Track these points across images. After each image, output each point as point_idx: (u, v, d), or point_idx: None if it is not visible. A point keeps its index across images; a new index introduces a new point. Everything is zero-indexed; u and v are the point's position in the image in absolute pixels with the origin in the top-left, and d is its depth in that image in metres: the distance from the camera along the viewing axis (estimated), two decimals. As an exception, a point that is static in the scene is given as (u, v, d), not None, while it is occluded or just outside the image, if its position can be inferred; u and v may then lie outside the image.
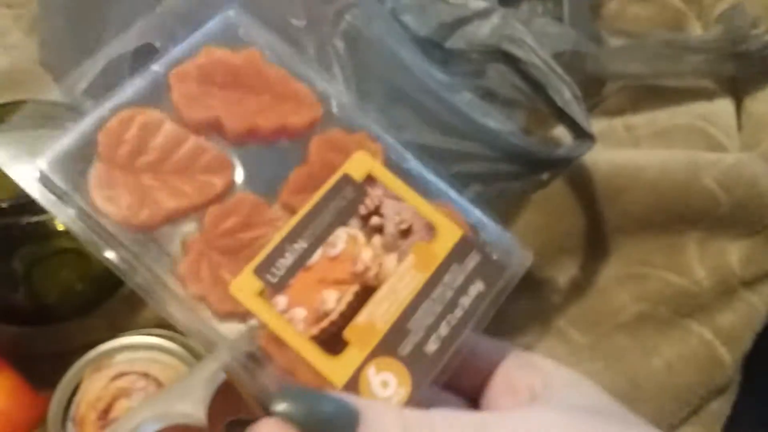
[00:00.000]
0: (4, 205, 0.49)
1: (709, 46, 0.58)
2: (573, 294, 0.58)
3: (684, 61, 0.59)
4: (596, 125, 0.52)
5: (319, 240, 0.35)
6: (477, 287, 0.36)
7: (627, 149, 0.59)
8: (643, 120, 0.62)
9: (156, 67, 0.37)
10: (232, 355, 0.36)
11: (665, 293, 0.56)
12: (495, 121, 0.47)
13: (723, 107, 0.62)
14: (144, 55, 0.52)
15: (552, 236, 0.58)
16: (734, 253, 0.56)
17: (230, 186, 0.36)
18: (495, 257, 0.37)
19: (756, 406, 0.58)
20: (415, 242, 0.36)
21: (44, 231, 0.52)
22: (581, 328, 0.58)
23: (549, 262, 0.58)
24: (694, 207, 0.55)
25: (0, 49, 0.74)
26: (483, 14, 0.50)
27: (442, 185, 0.39)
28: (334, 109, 0.39)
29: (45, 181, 0.35)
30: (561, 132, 0.58)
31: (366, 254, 0.35)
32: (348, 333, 0.34)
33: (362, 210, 0.36)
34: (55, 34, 0.66)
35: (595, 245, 0.58)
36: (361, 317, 0.34)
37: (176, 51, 0.38)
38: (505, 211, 0.56)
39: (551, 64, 0.49)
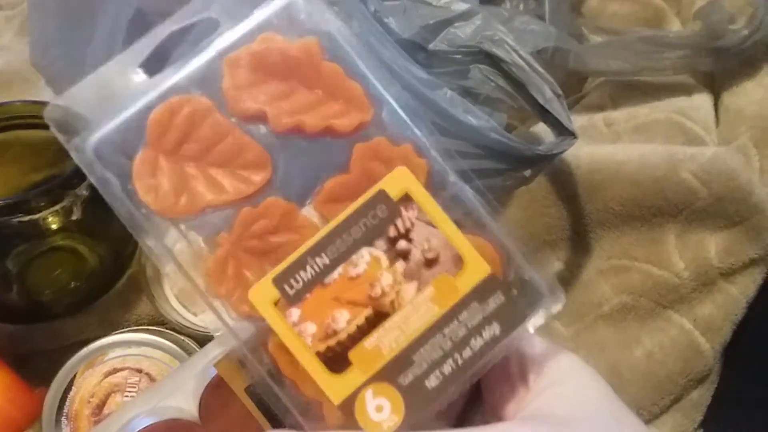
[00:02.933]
0: (-3, 204, 0.49)
1: (688, 42, 0.59)
2: (556, 286, 0.59)
3: (663, 57, 0.59)
4: (577, 120, 0.53)
5: (341, 257, 0.34)
6: (492, 330, 0.35)
7: (607, 144, 0.60)
8: (623, 115, 0.63)
9: (213, 51, 0.36)
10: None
11: (646, 285, 0.57)
12: (476, 118, 0.47)
13: (701, 102, 0.62)
14: (139, 25, 0.51)
15: (534, 230, 0.59)
16: (713, 245, 0.57)
17: (267, 185, 0.36)
18: (519, 301, 0.36)
19: (736, 395, 0.58)
20: (438, 274, 0.35)
21: (37, 229, 0.52)
22: (564, 320, 0.59)
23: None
24: (673, 200, 0.56)
25: (-9, 50, 0.75)
26: (465, 16, 0.50)
27: (482, 214, 0.36)
28: (384, 115, 0.37)
29: (91, 162, 0.35)
30: (541, 128, 0.59)
31: (386, 279, 0.35)
32: (353, 354, 0.34)
33: (391, 231, 0.35)
34: (45, 35, 0.66)
35: (577, 238, 0.59)
36: (369, 341, 0.34)
37: (233, 34, 0.36)
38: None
39: (532, 63, 0.49)
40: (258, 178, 0.36)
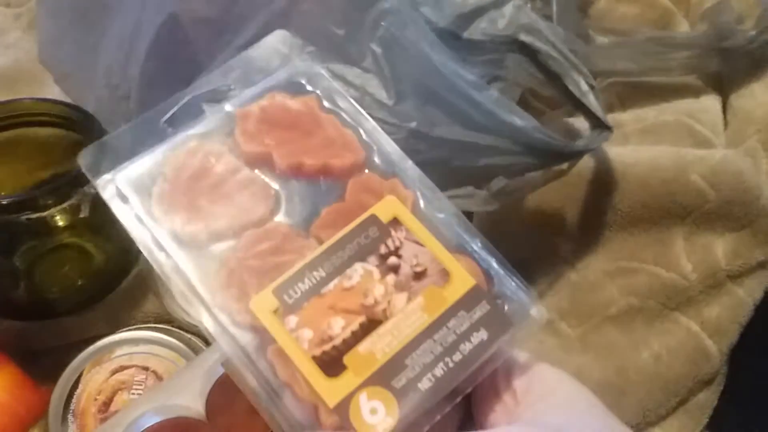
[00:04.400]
0: (4, 201, 0.49)
1: (695, 43, 0.59)
2: (564, 288, 0.59)
3: (671, 57, 0.59)
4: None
5: (337, 271, 0.37)
6: (480, 336, 0.37)
7: (616, 146, 0.60)
8: (631, 117, 0.63)
9: (228, 107, 0.42)
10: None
11: (653, 287, 0.57)
12: (521, 118, 0.48)
13: (709, 104, 0.62)
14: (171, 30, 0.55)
15: (543, 231, 0.59)
16: (721, 248, 0.57)
17: (270, 214, 0.40)
18: (505, 310, 0.38)
19: (742, 397, 0.58)
20: (427, 285, 0.38)
21: (45, 227, 0.52)
22: (572, 321, 0.59)
23: (540, 257, 0.59)
24: (682, 202, 0.56)
25: (-1, 48, 0.75)
26: (497, 4, 0.51)
27: (465, 237, 0.40)
28: (375, 157, 0.42)
29: (119, 194, 0.39)
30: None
31: (378, 290, 0.37)
32: (348, 359, 0.36)
33: (382, 249, 0.38)
34: (53, 32, 0.67)
35: (584, 240, 0.59)
36: (363, 346, 0.36)
37: (246, 93, 0.43)
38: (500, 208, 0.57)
39: (568, 55, 0.49)
40: (262, 208, 0.39)
